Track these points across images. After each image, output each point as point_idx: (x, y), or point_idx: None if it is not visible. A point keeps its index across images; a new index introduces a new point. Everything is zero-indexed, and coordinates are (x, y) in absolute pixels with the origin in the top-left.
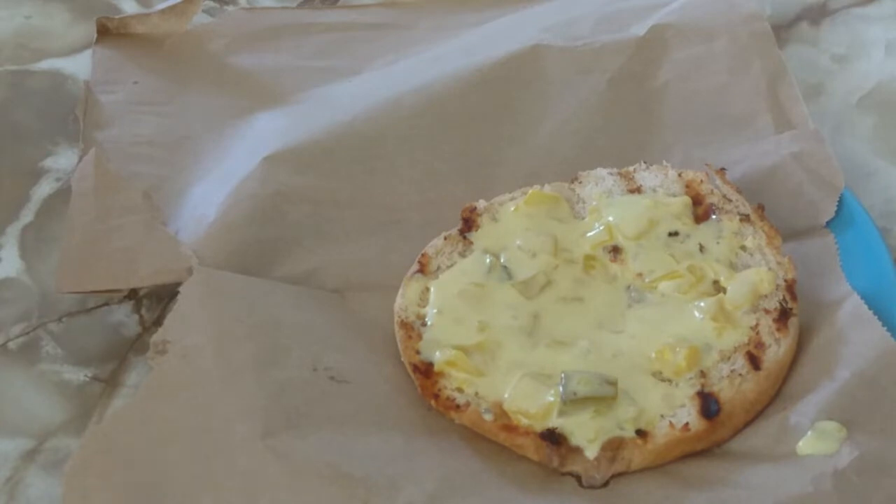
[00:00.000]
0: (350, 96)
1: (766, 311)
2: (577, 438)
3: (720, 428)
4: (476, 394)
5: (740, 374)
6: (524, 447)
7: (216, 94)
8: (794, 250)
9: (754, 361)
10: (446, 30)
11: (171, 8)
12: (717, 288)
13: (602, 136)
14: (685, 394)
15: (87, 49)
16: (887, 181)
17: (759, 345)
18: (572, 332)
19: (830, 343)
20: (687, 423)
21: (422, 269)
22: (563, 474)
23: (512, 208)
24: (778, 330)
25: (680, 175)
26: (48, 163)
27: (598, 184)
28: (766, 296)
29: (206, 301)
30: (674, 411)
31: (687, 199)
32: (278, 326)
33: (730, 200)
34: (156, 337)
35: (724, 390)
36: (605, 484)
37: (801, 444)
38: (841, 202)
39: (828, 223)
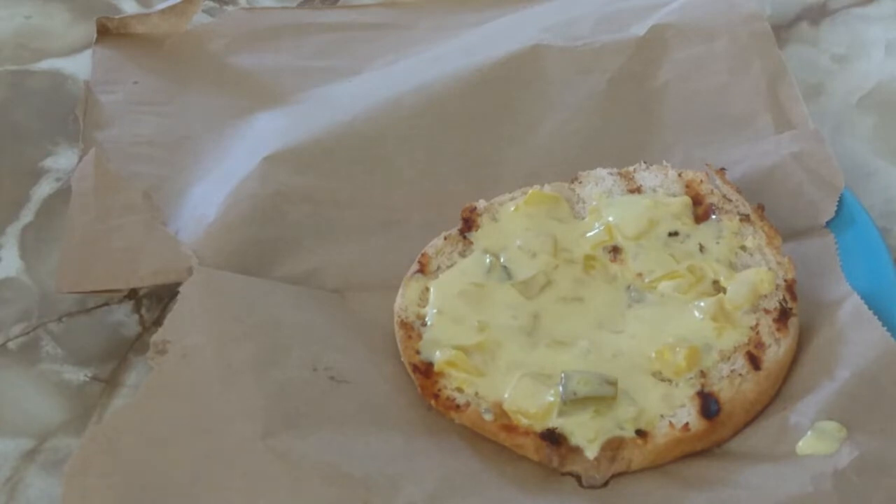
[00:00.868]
0: (350, 96)
1: (766, 311)
2: (577, 438)
3: (720, 428)
4: (476, 394)
5: (740, 374)
6: (524, 447)
7: (216, 94)
8: (794, 250)
9: (754, 361)
10: (446, 30)
11: (171, 8)
12: (717, 288)
13: (602, 136)
14: (685, 394)
15: (87, 49)
16: (887, 181)
17: (759, 345)
18: (572, 332)
19: (830, 343)
20: (687, 423)
21: (422, 269)
22: (563, 474)
23: (512, 208)
24: (778, 330)
25: (680, 175)
26: (48, 163)
27: (598, 184)
28: (766, 296)
29: (206, 301)
30: (674, 411)
31: (687, 199)
32: (278, 326)
33: (730, 200)
34: (156, 337)
35: (724, 390)
36: (605, 484)
37: (801, 444)
38: (841, 202)
39: (828, 223)
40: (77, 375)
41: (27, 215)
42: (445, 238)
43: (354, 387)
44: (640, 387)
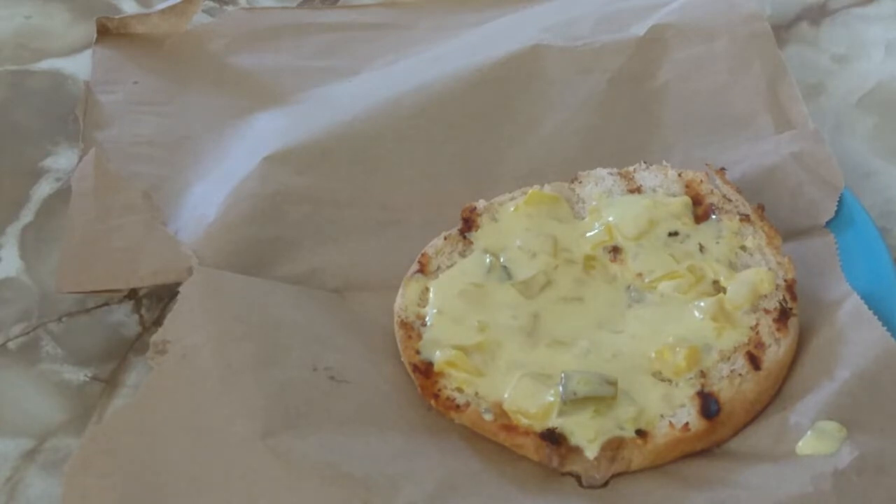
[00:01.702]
0: (350, 96)
1: (766, 311)
2: (577, 438)
3: (720, 428)
4: (476, 394)
5: (740, 374)
6: (524, 447)
7: (216, 94)
8: (794, 250)
9: (754, 361)
10: (446, 30)
11: (171, 8)
12: (717, 288)
13: (602, 136)
14: (685, 394)
15: (87, 49)
16: (887, 181)
17: (759, 345)
18: (572, 332)
19: (830, 343)
20: (687, 423)
21: (422, 269)
22: (563, 474)
23: (512, 208)
24: (778, 330)
25: (680, 175)
26: (48, 163)
27: (598, 184)
28: (766, 296)
29: (206, 301)
30: (674, 411)
31: (687, 199)
32: (278, 326)
33: (730, 200)
34: (156, 337)
35: (724, 390)
36: (605, 484)
37: (801, 444)
38: (841, 202)
39: (828, 223)
40: (77, 375)
41: (27, 215)
42: (445, 238)
43: (354, 387)
44: (640, 387)
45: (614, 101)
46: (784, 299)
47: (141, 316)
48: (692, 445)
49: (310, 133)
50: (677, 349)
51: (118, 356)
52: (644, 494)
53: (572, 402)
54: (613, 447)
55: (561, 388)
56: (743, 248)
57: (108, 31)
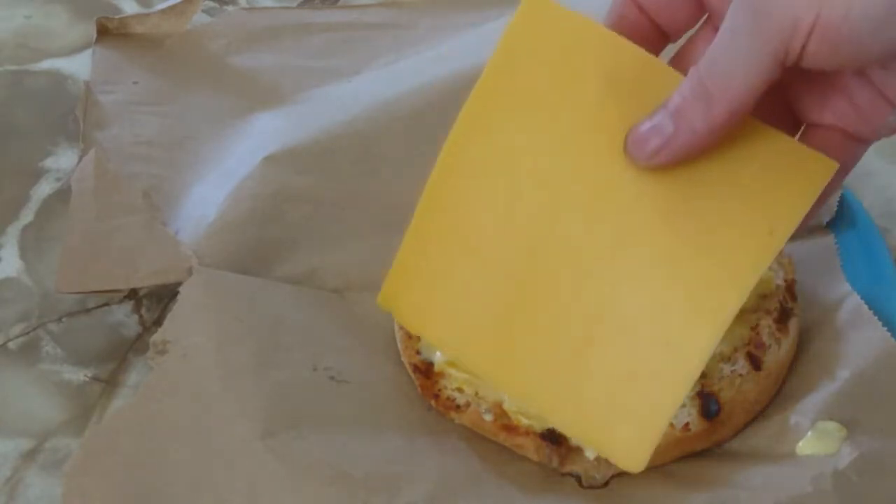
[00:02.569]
0: (350, 96)
1: (766, 311)
2: (577, 439)
3: (720, 428)
4: (476, 394)
5: (740, 374)
6: (524, 447)
7: (216, 94)
8: (794, 250)
9: (754, 361)
10: (446, 30)
11: (171, 8)
12: None
13: None
14: None
15: (87, 49)
16: (887, 181)
17: (760, 345)
18: None
19: (830, 343)
20: (687, 423)
21: None
22: (563, 474)
23: None
24: (778, 330)
25: None
26: (48, 163)
27: None
28: (766, 296)
29: (206, 301)
30: None
31: None
32: (278, 326)
33: None
34: (156, 337)
35: (724, 390)
36: (606, 484)
37: (801, 444)
38: (841, 202)
39: (828, 223)
40: (77, 375)
41: (27, 215)
42: None
43: (354, 387)
44: None
45: None
46: (784, 299)
47: (141, 316)
48: (692, 445)
49: (310, 133)
50: None
51: (118, 356)
52: (644, 494)
53: None
54: None
55: None
56: None
57: (108, 32)
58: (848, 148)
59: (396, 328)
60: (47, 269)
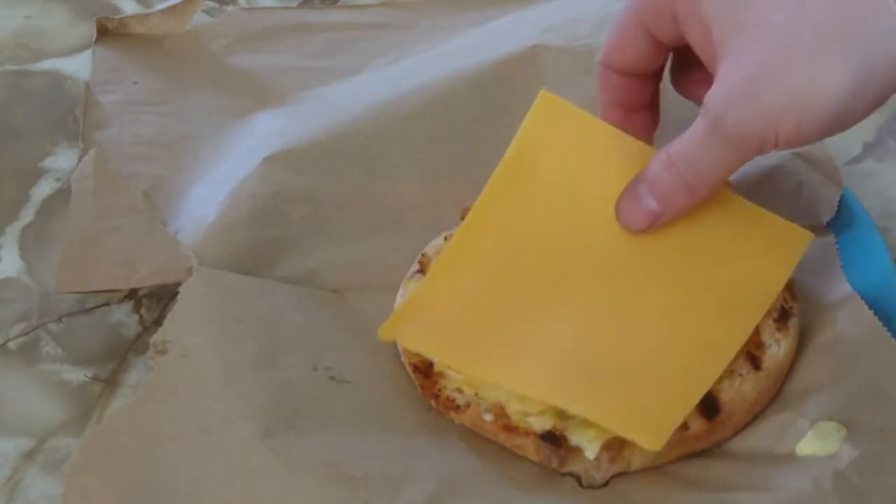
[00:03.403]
0: (350, 96)
1: (767, 312)
2: (577, 439)
3: (720, 428)
4: (476, 394)
5: (740, 374)
6: (524, 447)
7: (216, 94)
8: None
9: (754, 361)
10: (446, 30)
11: (171, 8)
12: None
13: None
14: None
15: (87, 49)
16: (887, 181)
17: (759, 345)
18: None
19: (830, 343)
20: (687, 423)
21: (422, 269)
22: (564, 475)
23: None
24: (778, 330)
25: None
26: (48, 163)
27: None
28: None
29: (206, 301)
30: None
31: None
32: (278, 326)
33: None
34: (156, 337)
35: (724, 390)
36: (606, 484)
37: (801, 444)
38: (841, 202)
39: (828, 223)
40: (77, 375)
41: (27, 215)
42: (445, 238)
43: (354, 387)
44: None
45: None
46: (784, 299)
47: (141, 316)
48: (692, 445)
49: (310, 133)
50: None
51: (118, 356)
52: (644, 495)
53: None
54: (614, 447)
55: None
56: None
57: (108, 32)
58: None
59: None
60: (47, 269)
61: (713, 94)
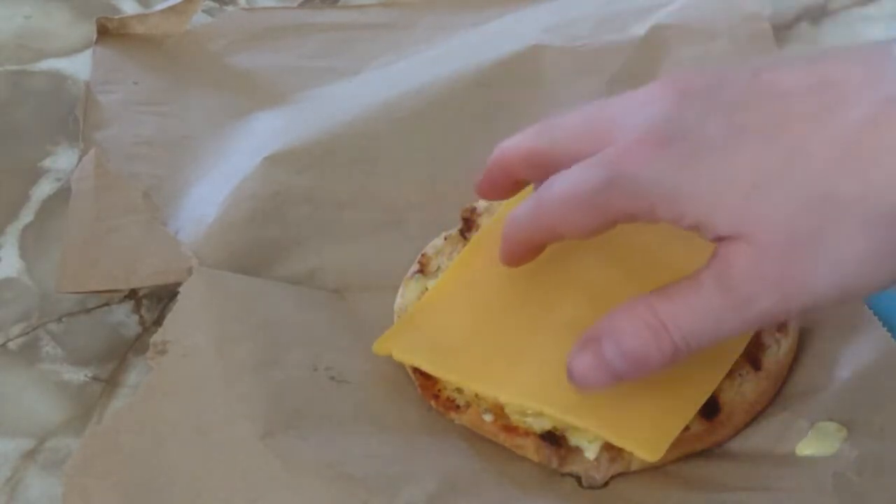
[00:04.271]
0: (350, 96)
1: None
2: (577, 439)
3: (720, 428)
4: (476, 395)
5: (740, 375)
6: (524, 448)
7: (216, 94)
8: None
9: (754, 362)
10: (446, 30)
11: (171, 8)
12: None
13: None
14: None
15: (87, 49)
16: None
17: (759, 345)
18: None
19: (830, 343)
20: (687, 424)
21: (422, 270)
22: (563, 475)
23: None
24: (778, 330)
25: None
26: (48, 163)
27: None
28: None
29: (206, 301)
30: None
31: None
32: (278, 326)
33: None
34: (156, 337)
35: (724, 390)
36: (606, 484)
37: (800, 444)
38: None
39: None
40: (77, 375)
41: (27, 215)
42: (445, 238)
43: (354, 387)
44: None
45: None
46: None
47: (141, 316)
48: (692, 446)
49: (310, 133)
50: None
51: (118, 356)
52: (644, 495)
53: None
54: (614, 448)
55: None
56: None
57: (108, 32)
58: None
59: None
60: (47, 269)
61: (738, 271)
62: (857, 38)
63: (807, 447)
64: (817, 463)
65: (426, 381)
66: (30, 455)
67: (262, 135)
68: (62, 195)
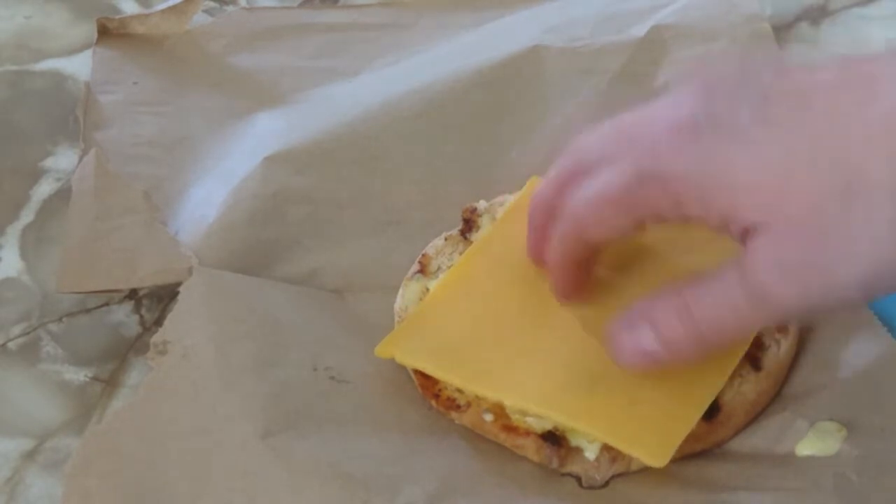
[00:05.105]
0: (350, 96)
1: None
2: (577, 439)
3: (720, 428)
4: (476, 394)
5: (740, 375)
6: (524, 448)
7: (216, 94)
8: None
9: (754, 362)
10: (446, 30)
11: (171, 8)
12: None
13: None
14: None
15: (87, 49)
16: None
17: (759, 345)
18: None
19: (830, 343)
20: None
21: (422, 270)
22: (564, 475)
23: None
24: (778, 330)
25: None
26: (48, 163)
27: None
28: None
29: (206, 301)
30: None
31: None
32: (278, 326)
33: None
34: (156, 337)
35: (724, 391)
36: (606, 484)
37: (801, 444)
38: None
39: None
40: (77, 375)
41: (27, 215)
42: (446, 238)
43: (354, 387)
44: None
45: (614, 102)
46: None
47: (141, 316)
48: (692, 446)
49: (310, 133)
50: None
51: (118, 356)
52: (644, 495)
53: None
54: (614, 448)
55: None
56: None
57: (109, 32)
58: None
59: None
60: (47, 269)
61: (759, 263)
62: (857, 38)
63: (807, 447)
64: (817, 463)
65: (426, 380)
66: (30, 455)
67: (262, 135)
68: (62, 195)
